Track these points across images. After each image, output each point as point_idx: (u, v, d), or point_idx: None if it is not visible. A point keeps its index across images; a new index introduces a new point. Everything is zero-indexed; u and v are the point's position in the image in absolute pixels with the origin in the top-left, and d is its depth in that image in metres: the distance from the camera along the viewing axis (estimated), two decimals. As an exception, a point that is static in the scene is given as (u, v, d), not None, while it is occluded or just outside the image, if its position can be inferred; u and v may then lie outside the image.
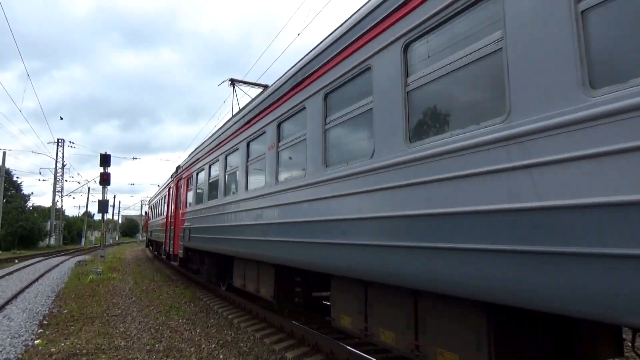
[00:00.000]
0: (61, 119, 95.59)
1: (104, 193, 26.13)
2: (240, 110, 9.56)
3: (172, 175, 20.05)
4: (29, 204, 61.92)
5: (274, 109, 7.32)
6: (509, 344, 3.60)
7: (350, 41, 5.01)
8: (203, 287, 15.09)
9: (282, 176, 7.07)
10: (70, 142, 61.12)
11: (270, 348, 7.34)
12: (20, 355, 7.22)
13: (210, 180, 11.69)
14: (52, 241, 56.41)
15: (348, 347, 6.47)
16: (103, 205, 23.99)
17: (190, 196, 14.39)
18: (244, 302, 10.85)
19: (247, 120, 8.66)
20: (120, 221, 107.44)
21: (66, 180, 72.37)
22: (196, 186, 13.58)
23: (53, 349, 7.46)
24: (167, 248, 19.02)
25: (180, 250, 15.21)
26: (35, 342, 8.03)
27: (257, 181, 8.12)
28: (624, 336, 4.60)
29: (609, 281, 2.41)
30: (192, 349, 7.46)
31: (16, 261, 29.52)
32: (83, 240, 66.16)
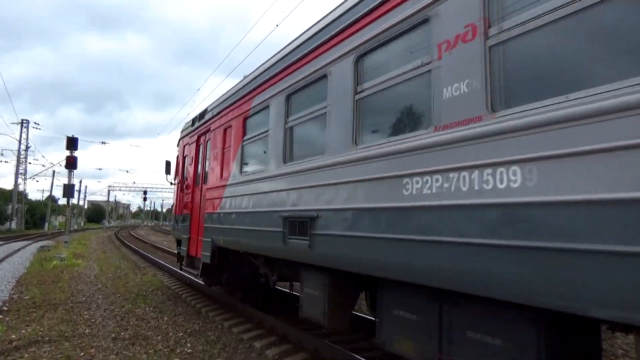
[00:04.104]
0: None
1: (70, 177, 25.40)
2: None
3: None
4: (-11, 186, 59.56)
5: None
6: None
7: None
8: (171, 275, 14.92)
9: None
10: (35, 123, 58.57)
11: (239, 337, 7.35)
12: (-22, 342, 7.00)
13: None
14: (14, 225, 54.48)
15: (316, 338, 6.55)
16: (69, 190, 23.33)
17: None
18: (212, 291, 10.80)
19: None
20: (86, 206, 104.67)
21: (30, 163, 69.97)
22: None
23: (13, 336, 7.27)
24: None
25: None
26: (-5, 328, 7.80)
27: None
28: None
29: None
30: (159, 337, 7.40)
31: (-26, 245, 28.44)
32: (46, 225, 64.16)
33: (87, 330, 7.78)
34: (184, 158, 12.08)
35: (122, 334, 7.59)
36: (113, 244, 33.58)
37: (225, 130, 8.60)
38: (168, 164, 13.59)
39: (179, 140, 12.78)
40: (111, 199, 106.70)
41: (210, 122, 9.64)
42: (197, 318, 8.86)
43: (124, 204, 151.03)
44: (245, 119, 7.71)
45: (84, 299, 10.63)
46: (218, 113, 9.14)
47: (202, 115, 10.57)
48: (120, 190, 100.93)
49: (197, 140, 10.70)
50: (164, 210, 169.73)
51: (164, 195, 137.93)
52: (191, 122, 11.50)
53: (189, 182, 11.00)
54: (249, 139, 7.49)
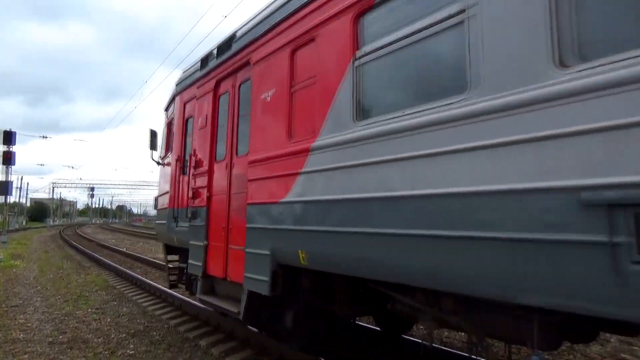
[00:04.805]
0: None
1: (7, 173, 24.10)
2: None
3: None
4: None
5: None
6: None
7: None
8: (116, 274, 14.39)
9: None
10: (-32, 116, 54.72)
11: (184, 336, 7.18)
12: None
13: None
14: (-54, 225, 50.97)
15: (264, 336, 6.49)
16: (5, 187, 22.04)
17: None
18: (159, 289, 10.51)
19: None
20: (28, 204, 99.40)
21: (-37, 159, 65.53)
22: None
23: (-63, 344, 6.78)
24: None
25: None
26: None
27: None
28: None
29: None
30: (99, 340, 7.10)
31: None
32: (-17, 224, 60.35)
33: (21, 335, 7.36)
34: (184, 122, 8.08)
35: (60, 337, 7.24)
36: (56, 243, 32.04)
37: (293, 52, 4.97)
38: (154, 134, 9.38)
39: (173, 98, 8.84)
40: (56, 196, 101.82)
41: (251, 49, 5.84)
42: (143, 318, 8.58)
43: (70, 202, 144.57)
44: (359, 16, 4.09)
45: (20, 302, 10.06)
46: (272, 29, 5.38)
47: (224, 47, 6.73)
48: (65, 187, 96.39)
49: (216, 89, 6.91)
50: (113, 207, 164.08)
51: (113, 192, 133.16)
52: (199, 65, 7.57)
53: (201, 155, 7.08)
54: (379, 49, 3.82)
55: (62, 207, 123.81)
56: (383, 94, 3.89)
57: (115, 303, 10.01)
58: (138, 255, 19.47)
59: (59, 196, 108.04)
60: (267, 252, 4.94)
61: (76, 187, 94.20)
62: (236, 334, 6.89)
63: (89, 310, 9.24)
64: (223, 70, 6.69)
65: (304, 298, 5.19)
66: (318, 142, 4.35)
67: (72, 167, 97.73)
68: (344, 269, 4.05)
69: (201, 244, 6.68)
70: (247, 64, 6.03)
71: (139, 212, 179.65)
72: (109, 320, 8.41)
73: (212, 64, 7.08)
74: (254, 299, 5.28)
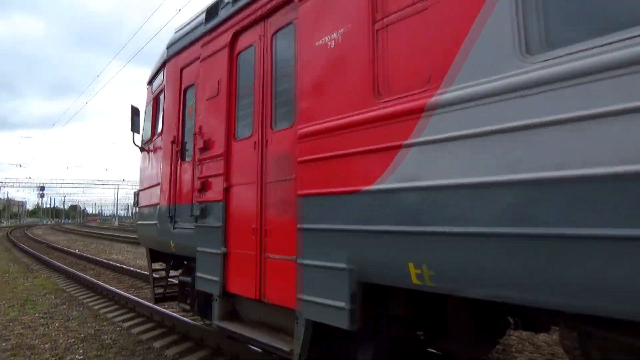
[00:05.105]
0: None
1: (-54, 173, 22.66)
2: None
3: None
4: None
5: None
6: None
7: None
8: (67, 277, 13.82)
9: None
10: None
11: (137, 339, 6.98)
12: None
13: None
14: None
15: (218, 335, 6.40)
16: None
17: None
18: (112, 291, 10.18)
19: None
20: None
21: None
22: None
23: None
24: None
25: None
26: None
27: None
28: None
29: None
30: (46, 346, 6.81)
31: None
32: None
33: (-41, 343, 6.96)
34: (182, 92, 6.33)
35: (3, 344, 6.89)
36: (3, 245, 30.43)
37: None
38: (135, 112, 7.49)
39: (162, 64, 7.01)
40: (2, 196, 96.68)
41: None
42: (94, 321, 8.28)
43: (18, 202, 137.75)
44: None
45: (-40, 308, 9.51)
46: None
47: None
48: (12, 186, 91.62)
49: (232, 44, 5.24)
50: (66, 207, 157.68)
51: (65, 191, 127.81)
52: (204, 17, 5.85)
53: (213, 134, 5.39)
54: None
55: (9, 208, 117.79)
56: (587, 3, 2.25)
57: (65, 307, 9.63)
58: (91, 256, 18.79)
59: (6, 196, 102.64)
60: (344, 266, 3.40)
61: (25, 186, 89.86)
62: (191, 335, 6.77)
63: (36, 315, 8.84)
64: (245, 17, 5.05)
65: (392, 330, 3.69)
66: (447, 94, 2.74)
67: (20, 166, 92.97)
68: (525, 296, 2.37)
69: (217, 251, 5.04)
70: (286, 3, 4.47)
71: (93, 212, 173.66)
72: (57, 325, 8.07)
73: (225, 12, 5.41)
74: (318, 333, 3.73)
